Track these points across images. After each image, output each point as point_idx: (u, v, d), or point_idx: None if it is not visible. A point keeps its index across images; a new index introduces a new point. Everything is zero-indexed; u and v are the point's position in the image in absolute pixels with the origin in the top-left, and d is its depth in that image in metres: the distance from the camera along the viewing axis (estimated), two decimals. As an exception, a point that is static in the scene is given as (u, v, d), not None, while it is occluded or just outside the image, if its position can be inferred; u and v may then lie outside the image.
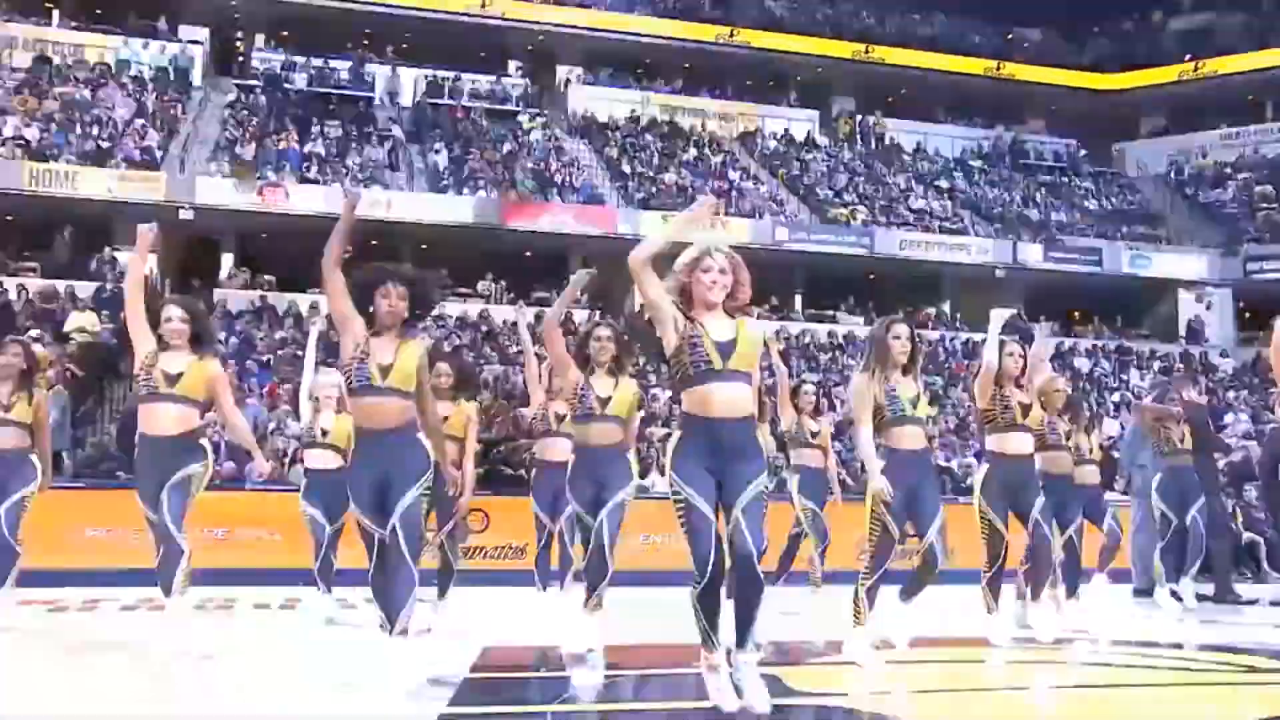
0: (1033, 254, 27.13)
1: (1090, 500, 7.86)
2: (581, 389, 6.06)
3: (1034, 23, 35.19)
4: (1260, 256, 27.99)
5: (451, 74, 29.43)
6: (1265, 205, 29.58)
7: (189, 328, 5.75)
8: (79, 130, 22.92)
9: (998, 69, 34.26)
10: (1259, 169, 31.31)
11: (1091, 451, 7.92)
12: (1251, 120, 32.59)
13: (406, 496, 4.89)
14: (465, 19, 30.41)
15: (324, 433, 7.25)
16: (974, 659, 6.19)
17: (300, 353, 16.23)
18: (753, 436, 4.36)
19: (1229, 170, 31.59)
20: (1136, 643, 7.02)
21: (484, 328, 20.17)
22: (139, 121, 23.93)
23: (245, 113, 25.90)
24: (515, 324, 6.90)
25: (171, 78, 26.79)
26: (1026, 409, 6.43)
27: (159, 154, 22.97)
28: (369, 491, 4.93)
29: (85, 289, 18.76)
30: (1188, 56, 33.84)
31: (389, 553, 4.89)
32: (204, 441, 5.78)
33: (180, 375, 5.66)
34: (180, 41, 28.35)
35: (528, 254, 25.46)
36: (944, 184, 30.52)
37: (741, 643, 4.31)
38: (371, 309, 4.97)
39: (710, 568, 4.21)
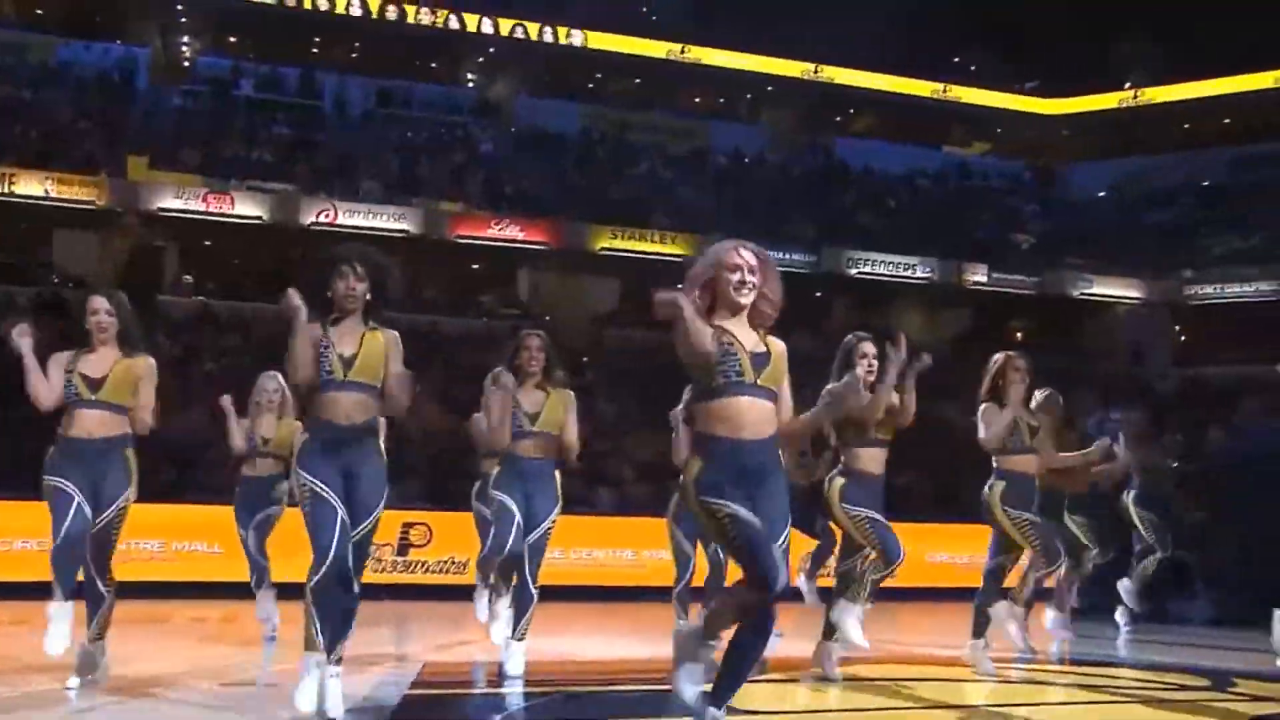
0: (977, 274, 27.52)
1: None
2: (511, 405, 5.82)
3: (979, 47, 35.71)
4: (1198, 280, 28.60)
5: (402, 83, 29.31)
6: (1203, 229, 30.25)
7: (117, 322, 5.22)
8: (17, 131, 22.49)
9: (944, 91, 34.75)
10: (1197, 194, 32.01)
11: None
12: (1189, 147, 33.32)
13: (369, 516, 4.52)
14: (417, 29, 30.29)
15: (265, 441, 7.04)
16: (940, 678, 6.22)
17: (241, 361, 16.00)
18: (778, 458, 3.83)
19: (1168, 195, 32.24)
20: (1075, 661, 7.10)
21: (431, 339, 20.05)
22: (81, 124, 23.55)
23: (191, 117, 25.60)
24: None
25: (116, 80, 26.40)
26: (1035, 431, 6.36)
27: (101, 157, 22.61)
28: (334, 471, 4.45)
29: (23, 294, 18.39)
30: (1127, 84, 34.56)
31: (342, 575, 4.42)
32: (129, 454, 5.25)
33: (104, 379, 5.14)
34: (125, 44, 27.96)
35: (475, 266, 25.39)
36: (891, 203, 30.86)
37: (720, 699, 3.73)
38: (329, 294, 4.56)
39: (782, 581, 3.60)
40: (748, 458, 3.70)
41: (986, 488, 6.31)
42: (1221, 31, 31.31)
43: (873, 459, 5.86)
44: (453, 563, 10.87)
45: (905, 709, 5.30)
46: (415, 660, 6.58)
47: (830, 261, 26.48)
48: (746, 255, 3.82)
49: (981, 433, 6.28)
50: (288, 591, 7.04)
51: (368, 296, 4.58)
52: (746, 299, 3.80)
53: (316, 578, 4.37)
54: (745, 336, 3.79)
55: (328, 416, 4.50)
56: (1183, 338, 29.22)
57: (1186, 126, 33.97)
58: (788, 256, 26.24)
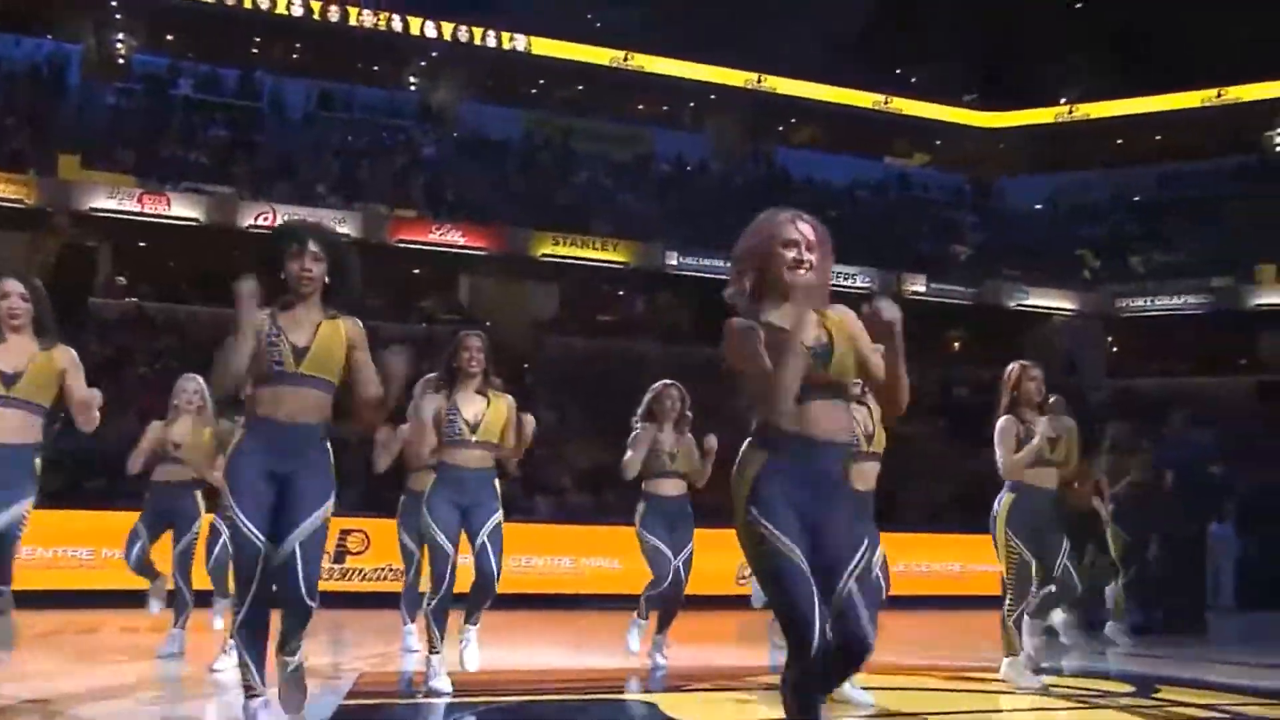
0: (916, 284, 27.91)
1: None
2: (449, 412, 5.47)
3: (920, 60, 36.24)
4: (1129, 293, 29.29)
5: (343, 86, 29.08)
6: (1134, 243, 30.98)
7: (32, 308, 4.63)
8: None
9: (885, 103, 35.18)
10: (1128, 209, 32.77)
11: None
12: (1120, 163, 34.09)
13: (309, 519, 3.98)
14: (359, 30, 30.06)
15: (176, 445, 6.65)
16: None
17: (175, 364, 15.74)
18: (847, 471, 3.27)
19: (1100, 209, 32.96)
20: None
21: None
22: (9, 120, 23.06)
23: (126, 116, 25.18)
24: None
25: (45, 75, 25.86)
26: (1054, 443, 5.99)
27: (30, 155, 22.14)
28: (258, 491, 3.98)
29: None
30: (1062, 100, 35.27)
31: (281, 588, 3.96)
32: (37, 463, 4.69)
33: (20, 374, 4.52)
34: (56, 40, 27.40)
35: (415, 270, 25.23)
36: (832, 213, 31.16)
37: None
38: (282, 276, 4.05)
39: (816, 640, 2.96)
40: (817, 463, 3.11)
41: (997, 500, 6.00)
42: (1152, 52, 32.13)
43: (859, 475, 5.22)
44: (390, 570, 10.76)
45: None
46: (351, 670, 6.52)
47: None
48: (805, 229, 3.19)
49: (999, 456, 5.92)
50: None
51: (325, 280, 4.08)
52: (803, 281, 3.18)
53: (241, 616, 3.99)
54: (798, 326, 3.14)
55: (269, 414, 4.00)
56: (1114, 349, 29.87)
57: (1119, 142, 34.74)
58: (728, 265, 26.42)
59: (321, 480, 4.06)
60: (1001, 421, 5.95)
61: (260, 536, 3.95)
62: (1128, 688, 6.34)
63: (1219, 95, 32.72)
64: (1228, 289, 28.13)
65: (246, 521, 3.95)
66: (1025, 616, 6.08)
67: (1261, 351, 27.78)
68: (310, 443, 4.06)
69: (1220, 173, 32.16)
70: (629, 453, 6.56)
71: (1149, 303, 28.95)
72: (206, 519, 6.80)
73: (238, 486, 3.99)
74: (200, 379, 6.76)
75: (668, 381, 6.80)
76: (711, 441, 6.57)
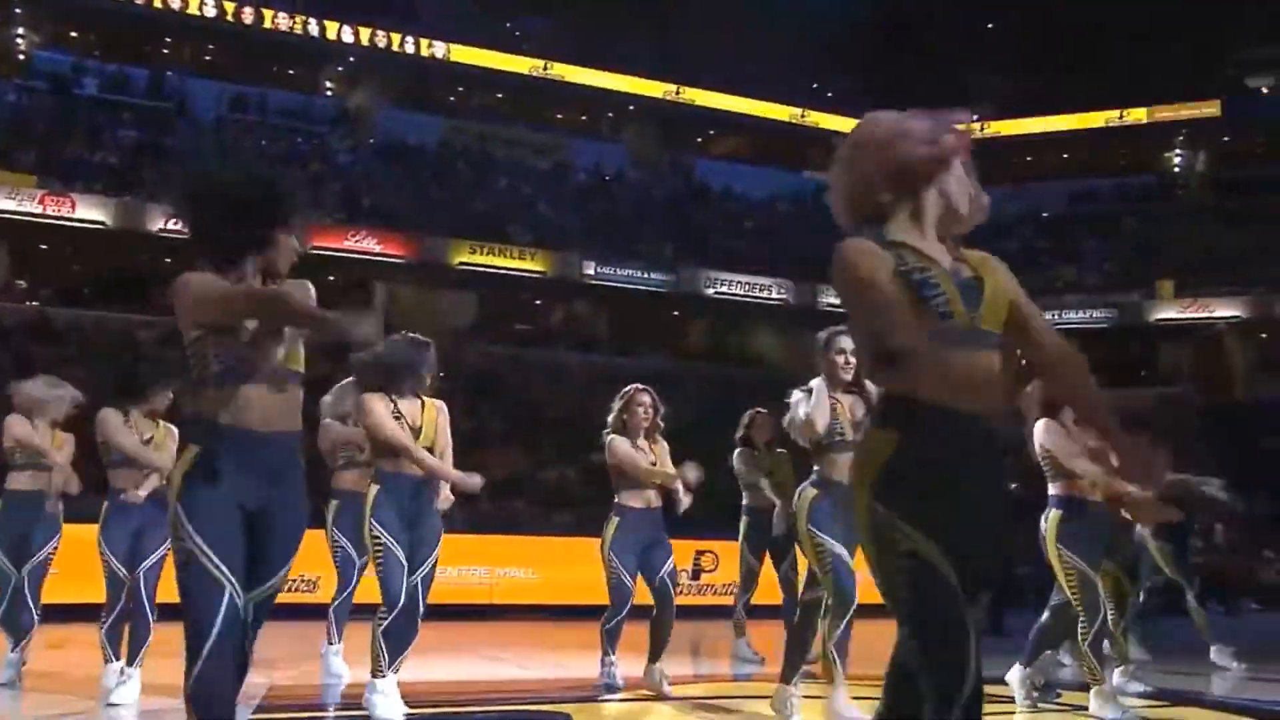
0: (832, 296, 28.27)
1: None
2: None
3: (836, 74, 36.79)
4: (1037, 306, 30.03)
5: (257, 89, 28.63)
6: (1042, 258, 31.79)
7: None
8: None
9: (802, 116, 35.64)
10: (1038, 225, 33.63)
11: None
12: (1030, 180, 34.99)
13: (274, 575, 3.16)
14: (274, 34, 29.62)
15: (41, 454, 6.05)
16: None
17: (79, 372, 15.32)
18: (998, 447, 2.52)
19: (1010, 224, 33.76)
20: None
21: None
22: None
23: (27, 114, 24.47)
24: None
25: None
26: (1095, 453, 5.38)
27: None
28: (235, 520, 3.06)
29: None
30: (974, 117, 36.10)
31: (235, 664, 3.14)
32: None
33: None
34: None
35: (330, 278, 24.89)
36: (750, 225, 31.46)
37: None
38: (256, 251, 3.24)
39: (968, 683, 2.23)
40: (972, 443, 2.42)
41: (1043, 517, 5.50)
42: (1061, 73, 33.09)
43: (841, 468, 4.76)
44: (303, 581, 10.59)
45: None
46: (259, 684, 6.39)
47: (687, 281, 26.84)
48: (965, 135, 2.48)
49: (1052, 448, 5.41)
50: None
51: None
52: (966, 209, 2.58)
53: (195, 674, 3.00)
54: (940, 256, 2.55)
55: (233, 421, 3.04)
56: (1023, 361, 30.55)
57: (1029, 160, 35.66)
58: (646, 275, 26.57)
59: (297, 523, 3.20)
60: (1043, 423, 5.48)
61: (231, 580, 3.03)
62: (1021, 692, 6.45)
63: (1121, 117, 33.80)
64: (1131, 304, 29.02)
65: (215, 557, 3.00)
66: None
67: (1161, 365, 28.73)
68: (290, 462, 3.18)
69: (1124, 191, 33.22)
70: (635, 461, 6.02)
71: (1056, 316, 29.70)
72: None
73: (202, 513, 3.02)
74: (69, 385, 6.37)
75: (639, 386, 6.25)
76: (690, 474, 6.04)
